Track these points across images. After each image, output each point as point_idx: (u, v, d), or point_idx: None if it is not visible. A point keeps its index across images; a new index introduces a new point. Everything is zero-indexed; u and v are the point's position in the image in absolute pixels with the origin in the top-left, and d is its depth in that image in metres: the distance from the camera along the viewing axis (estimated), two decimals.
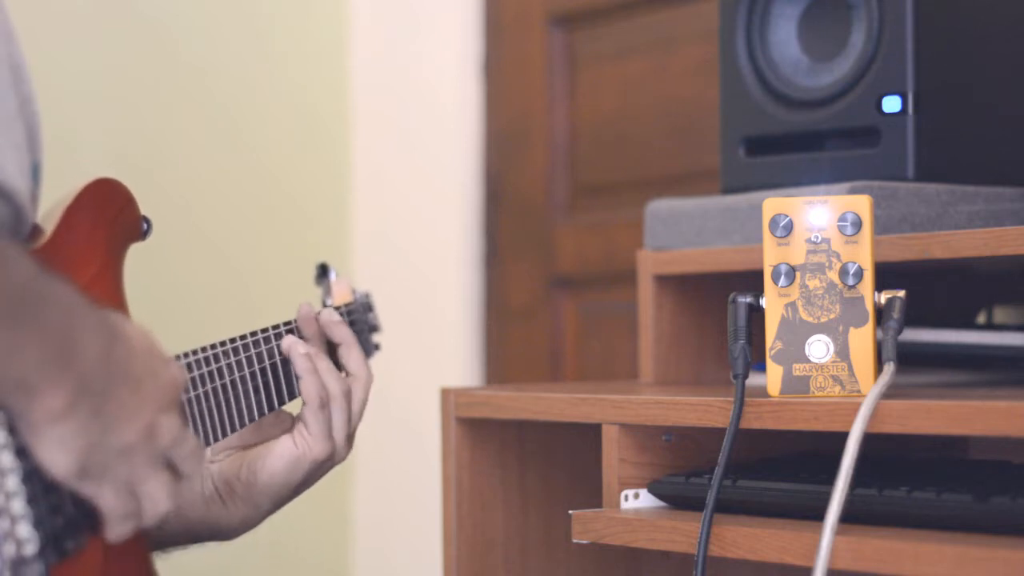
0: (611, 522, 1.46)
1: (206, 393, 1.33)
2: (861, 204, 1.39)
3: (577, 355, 2.83)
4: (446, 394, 1.69)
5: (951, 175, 1.64)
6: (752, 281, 1.48)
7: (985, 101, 1.70)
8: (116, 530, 1.10)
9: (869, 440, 1.27)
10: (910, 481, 1.31)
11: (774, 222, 1.40)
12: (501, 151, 2.97)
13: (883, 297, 1.38)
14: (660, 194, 1.90)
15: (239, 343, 1.39)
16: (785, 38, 1.73)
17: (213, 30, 2.97)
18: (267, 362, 1.42)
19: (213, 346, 1.35)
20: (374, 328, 1.65)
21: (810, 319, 1.39)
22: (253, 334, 1.42)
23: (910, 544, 1.23)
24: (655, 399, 1.47)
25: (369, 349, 1.62)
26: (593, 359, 2.79)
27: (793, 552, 1.31)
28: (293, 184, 3.07)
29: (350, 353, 1.49)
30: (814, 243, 1.40)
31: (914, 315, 1.41)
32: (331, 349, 1.50)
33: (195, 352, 1.32)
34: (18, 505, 1.05)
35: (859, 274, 1.38)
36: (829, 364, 1.39)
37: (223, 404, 1.35)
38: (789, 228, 1.40)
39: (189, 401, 1.30)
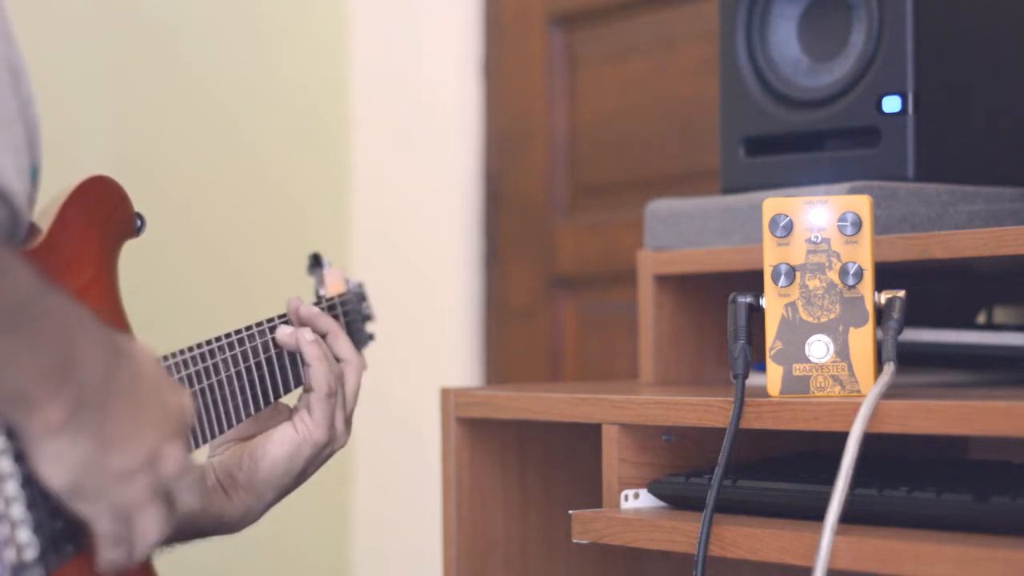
0: (611, 522, 1.46)
1: (203, 389, 1.33)
2: (861, 204, 1.39)
3: (577, 355, 2.82)
4: (446, 394, 1.69)
5: (951, 175, 1.64)
6: (752, 281, 1.48)
7: (985, 101, 1.70)
8: (107, 556, 1.08)
9: (869, 440, 1.27)
10: (910, 481, 1.31)
11: (774, 222, 1.40)
12: (501, 151, 2.96)
13: (883, 297, 1.38)
14: (660, 194, 1.90)
15: (234, 338, 1.39)
16: (785, 38, 1.73)
17: (213, 30, 2.97)
18: (262, 356, 1.43)
19: (208, 342, 1.35)
20: (367, 317, 1.65)
21: (810, 319, 1.39)
22: (248, 328, 1.42)
23: (910, 544, 1.23)
24: (655, 399, 1.47)
25: (363, 339, 1.62)
26: (593, 359, 2.79)
27: (793, 552, 1.31)
28: (293, 184, 3.07)
29: (337, 340, 1.49)
30: (814, 243, 1.40)
31: (914, 315, 1.41)
32: None
33: (190, 349, 1.32)
34: (18, 510, 1.05)
35: (859, 274, 1.38)
36: (829, 364, 1.39)
37: (220, 400, 1.35)
38: (789, 228, 1.40)
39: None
